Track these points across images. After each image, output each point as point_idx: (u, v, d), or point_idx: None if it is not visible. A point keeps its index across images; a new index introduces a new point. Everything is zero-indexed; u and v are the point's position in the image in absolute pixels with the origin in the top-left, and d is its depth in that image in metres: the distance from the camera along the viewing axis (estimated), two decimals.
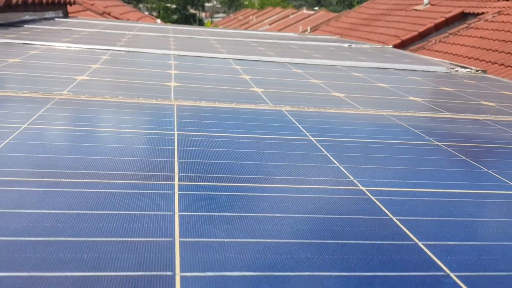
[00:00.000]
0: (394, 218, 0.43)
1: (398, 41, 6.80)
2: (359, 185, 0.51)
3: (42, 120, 0.66)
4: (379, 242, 0.39)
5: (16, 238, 0.34)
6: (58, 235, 0.35)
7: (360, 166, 0.57)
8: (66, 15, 3.55)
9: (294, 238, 0.38)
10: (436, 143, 0.71)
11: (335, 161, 0.58)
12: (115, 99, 0.84)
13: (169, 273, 0.32)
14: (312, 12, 14.07)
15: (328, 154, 0.61)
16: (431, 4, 7.82)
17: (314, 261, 0.35)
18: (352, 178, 0.53)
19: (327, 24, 9.81)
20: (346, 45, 2.37)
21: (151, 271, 0.32)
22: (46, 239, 0.35)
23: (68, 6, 3.69)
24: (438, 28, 7.01)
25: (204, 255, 0.35)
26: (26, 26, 2.24)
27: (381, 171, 0.56)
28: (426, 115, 0.91)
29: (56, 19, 2.99)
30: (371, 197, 0.48)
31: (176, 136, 0.64)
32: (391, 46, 2.45)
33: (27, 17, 2.58)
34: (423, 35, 6.96)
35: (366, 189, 0.50)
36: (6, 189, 0.42)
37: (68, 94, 0.84)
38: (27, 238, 0.35)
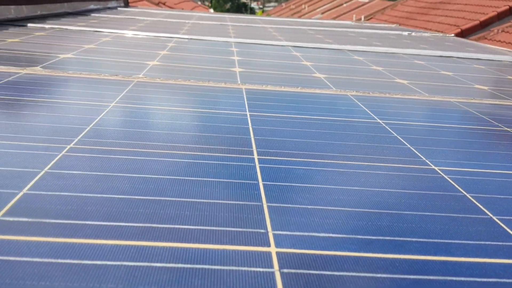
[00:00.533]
0: (467, 195, 0.45)
1: (458, 30, 6.55)
2: (431, 164, 0.53)
3: (127, 99, 0.72)
4: (454, 214, 0.41)
5: (128, 196, 0.39)
6: (162, 195, 0.40)
7: (431, 147, 0.59)
8: (127, 4, 3.69)
9: (373, 208, 0.41)
10: (506, 129, 0.71)
11: (405, 143, 0.60)
12: (187, 82, 0.89)
13: (262, 230, 0.35)
14: (366, 0, 13.76)
15: (398, 136, 0.62)
16: None
17: (393, 228, 0.38)
18: (424, 158, 0.54)
19: (382, 13, 9.58)
20: (405, 33, 2.33)
21: (246, 228, 0.35)
22: (153, 198, 0.39)
23: None
24: (500, 17, 6.69)
25: (291, 217, 0.38)
26: (92, 15, 2.35)
27: (452, 153, 0.57)
28: (494, 103, 0.90)
29: (119, 8, 3.11)
30: (444, 175, 0.50)
31: (248, 116, 0.68)
32: (452, 35, 2.38)
33: (92, 6, 2.71)
34: (484, 25, 6.67)
35: (438, 169, 0.51)
36: (108, 157, 0.47)
37: (144, 77, 0.90)
38: (137, 197, 0.39)
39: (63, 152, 0.48)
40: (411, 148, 0.58)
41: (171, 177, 0.44)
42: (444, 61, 1.49)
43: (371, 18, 9.23)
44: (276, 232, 0.35)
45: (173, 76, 0.94)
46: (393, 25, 3.08)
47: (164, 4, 7.83)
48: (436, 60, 1.50)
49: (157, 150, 0.50)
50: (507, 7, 6.68)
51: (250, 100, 0.78)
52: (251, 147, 0.54)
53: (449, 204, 0.43)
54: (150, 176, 0.43)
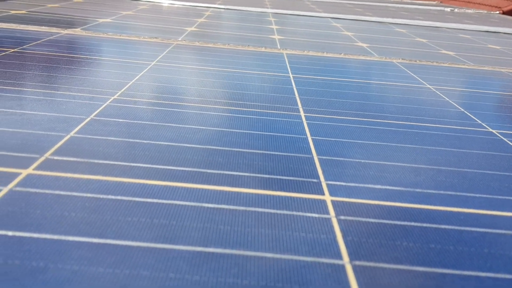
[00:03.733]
0: None
1: (500, 12, 6.29)
2: (488, 127, 0.50)
3: (167, 59, 0.71)
4: None
5: (176, 144, 0.38)
6: (210, 143, 0.39)
7: (486, 112, 0.55)
8: None
9: (431, 165, 0.38)
10: None
11: (458, 107, 0.57)
12: (227, 46, 0.87)
13: (314, 180, 0.34)
14: None
15: (450, 100, 0.59)
16: None
17: (454, 184, 0.35)
18: (480, 122, 0.51)
19: None
20: (448, 9, 2.24)
21: (298, 177, 0.34)
22: (200, 146, 0.38)
23: None
24: None
25: (345, 169, 0.36)
26: None
27: (510, 118, 0.54)
28: None
29: None
30: (503, 138, 0.47)
31: (292, 78, 0.66)
32: (497, 12, 2.28)
33: None
34: None
35: (496, 131, 0.48)
36: (153, 108, 0.46)
37: (183, 40, 0.89)
38: (184, 144, 0.38)
39: (107, 102, 0.47)
40: (465, 112, 0.55)
41: (218, 128, 0.42)
42: (491, 36, 1.43)
43: None
44: (329, 182, 0.34)
45: (212, 40, 0.92)
46: (434, 2, 2.97)
47: None
48: (482, 35, 1.43)
49: (201, 105, 0.49)
50: None
51: (292, 64, 0.76)
52: (297, 105, 0.52)
53: (511, 164, 0.40)
54: (196, 127, 0.42)
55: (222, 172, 0.34)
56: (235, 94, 0.54)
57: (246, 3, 1.85)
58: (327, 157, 0.38)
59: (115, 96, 0.49)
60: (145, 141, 0.38)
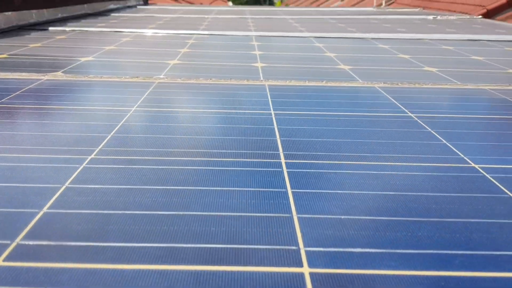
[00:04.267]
0: None
1: (484, 11, 6.33)
2: (470, 162, 0.49)
3: (148, 103, 0.70)
4: (501, 220, 0.38)
5: (151, 212, 0.37)
6: (187, 209, 0.38)
7: (469, 143, 0.55)
8: (146, 2, 3.69)
9: (412, 216, 0.38)
10: None
11: (440, 138, 0.56)
12: (209, 81, 0.87)
13: (293, 247, 0.33)
14: None
15: (432, 131, 0.59)
16: None
17: (435, 239, 0.35)
18: (462, 155, 0.51)
19: None
20: (430, 17, 2.26)
21: (276, 245, 0.33)
22: (176, 213, 0.37)
23: None
24: None
25: (324, 231, 0.35)
26: (112, 14, 2.35)
27: (493, 148, 0.54)
28: None
29: (138, 6, 3.11)
30: (486, 174, 0.46)
31: (273, 115, 0.65)
32: (480, 17, 2.30)
33: (111, 6, 2.71)
34: None
35: (479, 167, 0.48)
36: (131, 167, 0.46)
37: (165, 78, 0.88)
38: (160, 212, 0.37)
39: (84, 164, 0.46)
40: (447, 144, 0.55)
41: (195, 187, 0.42)
42: (473, 45, 1.43)
43: (393, 2, 9.03)
44: (308, 248, 0.33)
45: (194, 75, 0.92)
46: (417, 9, 2.99)
47: None
48: (465, 45, 1.44)
49: (180, 158, 0.49)
50: None
51: (274, 98, 0.75)
52: (278, 150, 0.52)
53: (494, 208, 0.39)
54: (173, 187, 0.42)
55: (197, 245, 0.33)
56: (214, 141, 0.54)
57: (229, 27, 1.86)
58: (307, 215, 0.38)
59: (92, 155, 0.49)
60: (120, 212, 0.37)
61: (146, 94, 0.75)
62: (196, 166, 0.47)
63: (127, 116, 0.63)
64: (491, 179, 0.45)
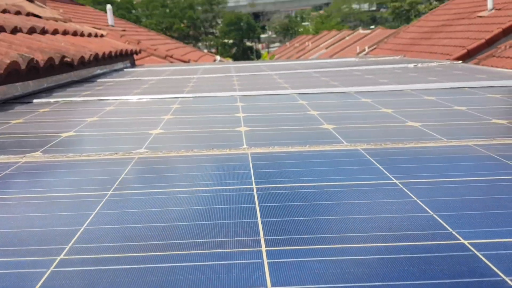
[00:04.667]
0: (507, 279, 0.39)
1: (464, 51, 6.51)
2: (459, 237, 0.47)
3: (125, 184, 0.68)
4: None
5: None
6: None
7: (457, 213, 0.53)
8: (133, 64, 3.75)
9: None
10: None
11: (427, 209, 0.54)
12: (190, 152, 0.85)
13: None
14: (368, 31, 13.93)
15: (418, 201, 0.57)
16: (496, 9, 7.46)
17: None
18: (450, 229, 0.49)
19: (385, 42, 9.63)
20: (411, 65, 2.30)
21: None
22: None
23: (135, 55, 3.90)
24: (506, 33, 6.65)
25: None
26: (98, 80, 2.37)
27: (482, 218, 0.52)
28: None
29: (125, 69, 3.16)
30: (476, 252, 0.44)
31: (255, 190, 0.63)
32: (460, 62, 2.34)
33: (98, 71, 2.75)
34: (490, 42, 6.62)
35: (468, 243, 0.46)
36: (99, 268, 0.43)
37: (146, 152, 0.87)
38: None
39: (51, 268, 0.44)
40: (434, 216, 0.53)
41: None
42: (455, 94, 1.44)
43: (375, 48, 9.28)
44: None
45: (176, 146, 0.91)
46: (398, 57, 3.06)
47: (171, 57, 7.98)
48: (447, 93, 1.45)
49: (151, 253, 0.46)
50: (511, 23, 6.64)
51: (257, 169, 0.74)
52: (259, 235, 0.49)
53: None
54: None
55: None
56: (190, 229, 0.51)
57: (214, 88, 1.87)
58: None
59: (62, 256, 0.46)
60: None
61: (124, 173, 0.73)
62: (168, 263, 0.44)
63: (100, 205, 0.60)
64: (482, 258, 0.43)
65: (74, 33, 3.09)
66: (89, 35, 3.37)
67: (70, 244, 0.48)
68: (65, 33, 2.90)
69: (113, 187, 0.67)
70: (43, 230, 0.52)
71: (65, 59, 2.14)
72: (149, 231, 0.51)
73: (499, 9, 7.46)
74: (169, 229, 0.52)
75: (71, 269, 0.43)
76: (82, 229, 0.52)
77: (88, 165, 0.79)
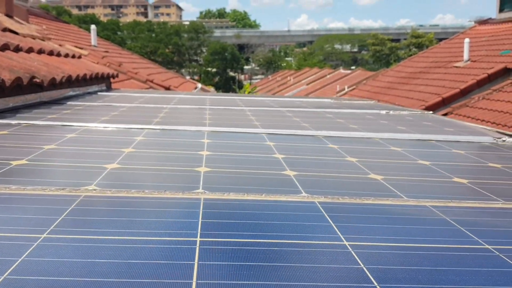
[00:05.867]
0: None
1: (439, 99, 6.68)
2: None
3: (63, 227, 0.64)
4: None
5: None
6: None
7: (402, 285, 0.51)
8: (109, 87, 3.71)
9: None
10: (487, 246, 0.64)
11: (372, 279, 0.52)
12: (141, 194, 0.82)
13: None
14: (349, 71, 14.24)
15: (368, 273, 0.55)
16: (472, 61, 7.72)
17: None
18: None
19: (364, 83, 9.84)
20: (383, 112, 2.32)
21: None
22: None
23: (112, 78, 3.86)
24: (480, 84, 6.86)
25: None
26: (68, 103, 2.32)
27: None
28: (474, 205, 0.84)
29: (99, 93, 3.11)
30: None
31: (198, 245, 0.60)
32: (431, 112, 2.38)
33: (71, 92, 2.70)
34: (465, 92, 6.82)
35: None
36: None
37: (94, 189, 0.83)
38: None
39: None
40: (377, 287, 0.50)
41: None
42: (422, 146, 1.45)
43: (354, 88, 9.46)
44: None
45: (127, 184, 0.87)
46: (372, 102, 3.10)
47: (151, 81, 7.96)
48: (414, 145, 1.45)
49: None
50: (486, 75, 6.87)
51: (206, 218, 0.70)
52: None
53: None
54: None
55: None
56: (119, 285, 0.48)
57: (184, 120, 1.85)
58: None
59: None
60: None
61: (65, 214, 0.69)
62: None
63: (31, 248, 0.56)
64: None
65: (50, 53, 3.04)
66: (66, 55, 3.33)
67: None
68: (40, 51, 2.86)
69: (49, 229, 0.62)
70: None
71: (34, 79, 2.09)
72: (76, 285, 0.47)
73: (475, 61, 7.72)
74: (96, 285, 0.48)
75: None
76: (1, 279, 0.48)
77: (30, 201, 0.75)
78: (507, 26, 8.69)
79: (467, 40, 8.00)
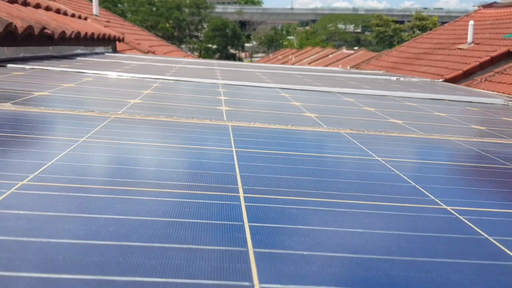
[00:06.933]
0: (490, 238, 0.38)
1: (442, 79, 6.67)
2: (442, 204, 0.46)
3: (100, 135, 0.65)
4: (479, 261, 0.34)
5: (82, 241, 0.31)
6: (125, 239, 0.32)
7: (439, 186, 0.52)
8: (115, 50, 3.69)
9: (383, 254, 0.34)
10: None
11: (409, 180, 0.53)
12: (169, 119, 0.83)
13: (246, 283, 0.28)
14: (352, 51, 14.13)
15: (400, 174, 0.56)
16: (475, 43, 7.68)
17: (408, 279, 0.30)
18: (433, 197, 0.48)
19: (367, 63, 9.79)
20: (394, 78, 2.32)
21: (226, 280, 0.28)
22: (112, 243, 0.32)
23: (117, 43, 3.83)
24: (483, 67, 6.84)
25: (284, 266, 0.30)
26: (78, 58, 2.32)
27: (463, 192, 0.51)
28: (496, 141, 0.85)
29: (106, 53, 3.09)
30: (459, 216, 0.43)
31: (234, 152, 0.61)
32: (441, 80, 2.38)
33: (78, 50, 2.68)
34: (467, 74, 6.80)
35: (451, 209, 0.45)
36: (68, 195, 0.40)
37: (123, 113, 0.84)
38: (93, 241, 0.32)
39: (12, 189, 0.40)
40: (416, 186, 0.51)
41: (138, 217, 0.36)
42: (436, 103, 1.46)
43: (357, 68, 9.41)
44: (264, 285, 0.28)
45: (154, 113, 0.88)
46: (381, 71, 3.10)
47: (153, 53, 7.90)
48: (428, 102, 1.46)
49: (128, 188, 0.43)
50: (489, 57, 6.85)
51: (237, 137, 0.72)
52: (237, 184, 0.47)
53: (471, 249, 0.36)
54: (113, 216, 0.36)
55: (132, 279, 0.27)
56: (170, 174, 0.49)
57: (196, 75, 1.84)
58: (265, 250, 0.33)
59: (24, 181, 0.43)
60: (43, 239, 0.31)
61: (99, 127, 0.70)
62: (140, 196, 0.41)
63: (73, 146, 0.57)
64: (465, 220, 0.42)
65: (57, 11, 3.02)
66: (73, 15, 3.30)
67: (35, 174, 0.45)
68: (47, 9, 2.83)
69: (87, 135, 0.63)
70: (6, 160, 0.49)
71: (45, 30, 2.08)
72: (124, 171, 0.48)
73: (478, 43, 7.69)
74: (147, 172, 0.49)
75: (33, 192, 0.40)
76: (49, 164, 0.49)
77: (60, 117, 0.76)
78: (511, 10, 8.62)
79: (471, 22, 7.95)
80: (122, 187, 0.42)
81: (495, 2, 9.43)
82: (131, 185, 0.43)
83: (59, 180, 0.44)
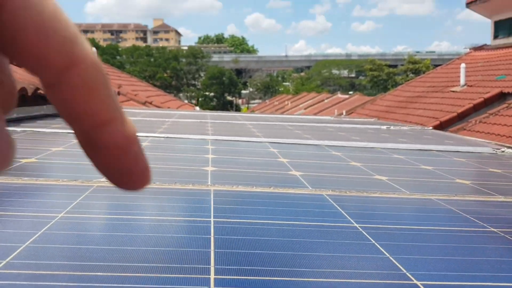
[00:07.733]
0: None
1: (437, 122, 6.74)
2: (413, 278, 0.46)
3: (79, 208, 0.65)
4: None
5: None
6: None
7: (413, 256, 0.52)
8: None
9: None
10: (492, 229, 0.66)
11: (384, 251, 0.53)
12: (152, 185, 0.83)
13: None
14: (346, 96, 14.36)
15: (376, 243, 0.56)
16: (468, 86, 7.83)
17: None
18: (405, 271, 0.48)
19: (362, 107, 9.92)
20: (384, 127, 2.35)
21: None
22: None
23: None
24: (477, 108, 6.94)
25: None
26: None
27: (436, 262, 0.51)
28: (477, 199, 0.86)
29: None
30: None
31: (212, 223, 0.62)
32: (431, 128, 2.41)
33: None
34: (462, 116, 6.89)
35: (421, 284, 0.45)
36: (35, 284, 0.40)
37: (106, 181, 0.84)
38: None
39: None
40: (390, 258, 0.52)
41: None
42: (423, 155, 1.47)
43: (352, 112, 9.54)
44: None
45: None
46: (372, 119, 3.14)
47: (150, 103, 8.02)
48: (416, 154, 1.48)
49: (96, 273, 0.43)
50: (482, 99, 6.96)
51: (217, 204, 0.72)
52: (209, 264, 0.47)
53: None
54: None
55: None
56: (141, 253, 0.49)
57: (187, 131, 1.87)
58: None
59: None
60: None
61: (80, 198, 0.71)
62: (104, 283, 0.41)
63: (50, 223, 0.58)
64: None
65: None
66: None
67: (8, 259, 0.45)
68: None
69: (65, 211, 0.64)
70: None
71: (39, 91, 2.12)
72: (94, 253, 0.48)
73: (471, 85, 7.83)
74: (117, 252, 0.49)
75: (7, 282, 0.40)
76: (23, 246, 0.49)
77: (43, 189, 0.76)
78: (501, 52, 8.85)
79: (463, 65, 8.13)
80: (79, 273, 0.42)
81: (485, 45, 9.68)
82: (91, 269, 0.43)
83: (34, 267, 0.44)
